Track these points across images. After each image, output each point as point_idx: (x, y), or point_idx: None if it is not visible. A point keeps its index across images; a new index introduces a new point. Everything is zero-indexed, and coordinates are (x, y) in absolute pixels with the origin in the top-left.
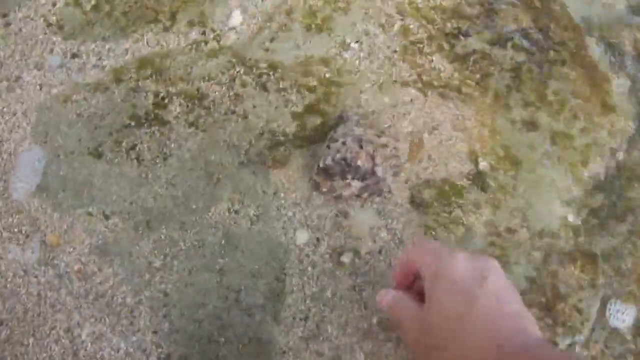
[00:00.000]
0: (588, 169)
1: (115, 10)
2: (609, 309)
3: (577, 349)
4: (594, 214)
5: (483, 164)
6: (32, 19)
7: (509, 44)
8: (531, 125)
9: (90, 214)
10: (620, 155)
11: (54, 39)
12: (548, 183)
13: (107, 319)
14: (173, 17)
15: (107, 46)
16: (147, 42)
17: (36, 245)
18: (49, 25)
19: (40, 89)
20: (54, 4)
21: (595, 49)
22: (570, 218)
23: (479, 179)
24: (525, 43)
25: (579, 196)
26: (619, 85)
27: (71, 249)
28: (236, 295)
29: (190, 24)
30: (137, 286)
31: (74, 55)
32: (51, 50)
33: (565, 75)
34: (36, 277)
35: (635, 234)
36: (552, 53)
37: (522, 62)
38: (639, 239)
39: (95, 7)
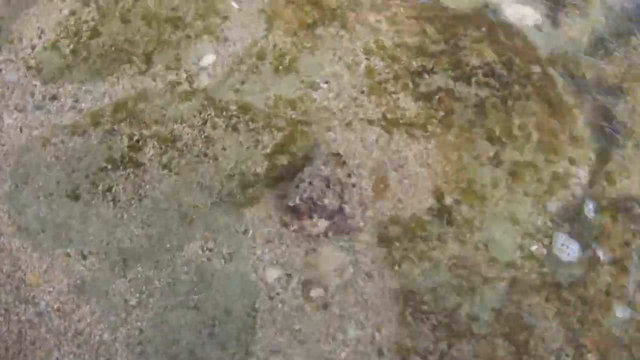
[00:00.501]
0: (553, 200)
1: (92, 54)
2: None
3: None
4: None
5: (448, 199)
6: (12, 62)
7: (473, 80)
8: (495, 159)
9: (68, 254)
10: (585, 185)
11: (34, 82)
12: (512, 216)
13: (85, 356)
14: (147, 59)
15: (84, 88)
16: (122, 85)
17: (17, 284)
18: (29, 68)
19: (21, 131)
20: (33, 48)
21: (559, 82)
22: (535, 249)
23: (443, 213)
24: (489, 79)
25: (544, 227)
26: (582, 117)
27: (51, 288)
28: (210, 330)
29: (164, 66)
30: (113, 323)
31: (53, 98)
32: (32, 93)
33: (529, 109)
34: (17, 315)
35: (597, 262)
36: (516, 87)
37: (486, 97)
38: (601, 267)
39: (73, 52)
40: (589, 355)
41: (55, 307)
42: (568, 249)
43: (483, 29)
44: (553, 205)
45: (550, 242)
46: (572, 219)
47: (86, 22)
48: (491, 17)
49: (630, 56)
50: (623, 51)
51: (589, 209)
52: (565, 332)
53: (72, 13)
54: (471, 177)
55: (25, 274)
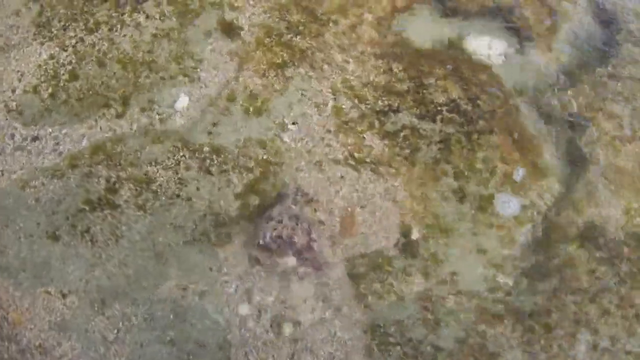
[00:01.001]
0: (519, 232)
1: (70, 97)
2: None
3: None
4: (525, 274)
5: (414, 234)
6: None
7: (438, 117)
8: (460, 193)
9: (49, 292)
10: (551, 217)
11: (15, 124)
12: (477, 248)
13: None
14: (124, 102)
15: (64, 131)
16: (100, 128)
17: (0, 323)
18: (10, 111)
19: (2, 174)
20: (13, 91)
21: (525, 114)
22: (501, 280)
23: (410, 248)
24: (454, 115)
25: (509, 258)
26: (548, 148)
27: (32, 326)
28: None
29: (140, 109)
30: (93, 359)
31: (33, 139)
32: (12, 135)
33: (494, 143)
34: (0, 352)
35: (562, 291)
36: (481, 122)
37: (451, 133)
38: (566, 296)
39: (52, 95)
40: None
41: (37, 344)
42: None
43: (449, 65)
44: (519, 237)
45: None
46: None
47: (64, 65)
48: (457, 54)
49: (595, 86)
50: (588, 82)
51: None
52: None
53: (51, 57)
54: (437, 211)
55: (7, 313)
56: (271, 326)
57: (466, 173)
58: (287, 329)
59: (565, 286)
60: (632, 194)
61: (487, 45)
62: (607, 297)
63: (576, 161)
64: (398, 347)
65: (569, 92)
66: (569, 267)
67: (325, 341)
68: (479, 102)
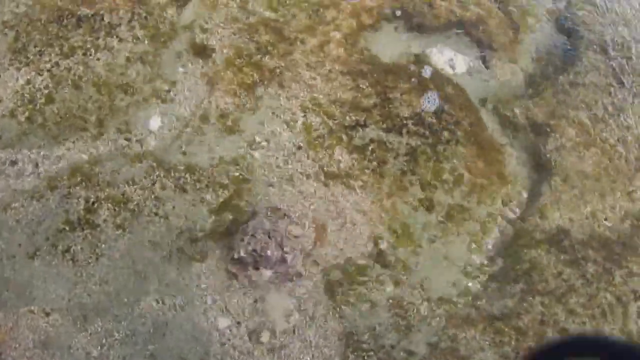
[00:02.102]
0: (487, 238)
1: (47, 120)
2: None
3: None
4: (494, 279)
5: (384, 244)
6: None
7: (404, 130)
8: (428, 203)
9: (32, 311)
10: (517, 223)
11: None
12: (446, 255)
13: None
14: (100, 124)
15: (42, 154)
16: (77, 150)
17: None
18: None
19: None
20: None
21: (490, 123)
22: (470, 285)
23: (380, 257)
24: (419, 127)
25: (479, 264)
26: (512, 156)
27: (17, 345)
28: None
29: (116, 130)
30: None
31: (12, 163)
32: None
33: (459, 153)
34: None
35: (530, 294)
36: (445, 134)
37: (417, 145)
38: (534, 298)
39: (29, 119)
40: None
41: None
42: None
43: (413, 79)
44: (486, 243)
45: None
46: None
47: (40, 90)
48: (422, 68)
49: (558, 94)
50: (551, 90)
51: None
52: None
53: (28, 82)
54: (405, 221)
55: None
56: (249, 337)
57: (433, 183)
58: (265, 339)
59: (533, 289)
60: (596, 198)
61: (451, 59)
62: (574, 298)
63: (541, 167)
64: (372, 354)
65: (532, 101)
66: (536, 270)
67: (302, 350)
68: (443, 114)
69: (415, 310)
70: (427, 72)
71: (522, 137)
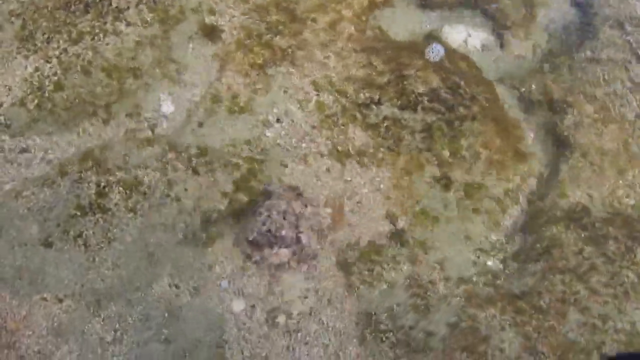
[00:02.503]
0: (506, 216)
1: (57, 107)
2: None
3: None
4: (513, 257)
5: (401, 223)
6: None
7: (419, 107)
8: (445, 180)
9: (45, 299)
10: (536, 200)
11: (3, 137)
12: (465, 234)
13: None
14: (110, 109)
15: (52, 140)
16: (88, 135)
17: None
18: None
19: None
20: (0, 105)
21: (506, 100)
22: (490, 263)
23: (398, 236)
24: (434, 104)
25: (498, 242)
26: (530, 132)
27: (30, 332)
28: None
29: (126, 115)
30: None
31: (23, 151)
32: (1, 149)
33: (476, 130)
34: None
35: (551, 272)
36: (461, 110)
37: (433, 122)
38: (554, 276)
39: (39, 106)
40: None
41: (36, 349)
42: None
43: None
44: (505, 221)
45: None
46: None
47: (49, 77)
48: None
49: (575, 71)
50: (567, 66)
51: None
52: (522, 341)
53: (36, 69)
54: (423, 199)
55: (5, 321)
56: (265, 320)
57: (450, 160)
58: (281, 322)
59: (553, 267)
60: (615, 174)
61: (465, 35)
62: (596, 277)
63: (559, 144)
64: (390, 334)
65: (549, 78)
66: (556, 248)
67: (318, 332)
68: (459, 90)
69: (434, 290)
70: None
71: (539, 113)
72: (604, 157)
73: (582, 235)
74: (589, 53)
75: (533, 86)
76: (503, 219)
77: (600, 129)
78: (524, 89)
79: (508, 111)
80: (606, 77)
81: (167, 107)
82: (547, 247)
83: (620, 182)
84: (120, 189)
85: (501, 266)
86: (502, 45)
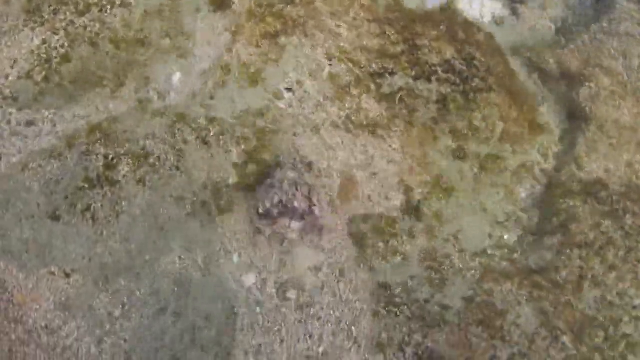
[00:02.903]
0: (522, 189)
1: (64, 79)
2: None
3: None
4: (530, 231)
5: (415, 195)
6: None
7: (434, 78)
8: (460, 152)
9: (52, 273)
10: (552, 173)
11: (10, 110)
12: (480, 206)
13: None
14: (118, 81)
15: (59, 113)
16: (95, 107)
17: (5, 305)
18: (5, 98)
19: (0, 158)
20: (7, 78)
21: (521, 72)
22: (506, 237)
23: (412, 209)
24: (449, 75)
25: (514, 215)
26: (546, 104)
27: (38, 306)
28: (191, 336)
29: (134, 86)
30: (99, 336)
31: (29, 124)
32: (8, 121)
33: (491, 101)
34: (7, 334)
35: (568, 247)
36: (477, 81)
37: (448, 93)
38: (571, 251)
39: (46, 78)
40: (564, 337)
41: (44, 324)
42: None
43: (442, 27)
44: (521, 193)
45: None
46: None
47: (56, 49)
48: (450, 15)
49: (592, 44)
50: (584, 38)
51: None
52: (539, 316)
53: (43, 42)
54: (438, 171)
55: (12, 295)
56: (277, 293)
57: (465, 132)
58: (293, 295)
59: (570, 241)
60: (633, 147)
61: (480, 7)
62: (613, 251)
63: (575, 117)
64: (405, 308)
65: (565, 50)
66: (573, 222)
67: (331, 306)
68: (474, 61)
69: (449, 264)
70: None
71: (555, 86)
72: (621, 131)
73: (600, 209)
74: (605, 26)
75: (548, 58)
76: (519, 191)
77: (618, 102)
78: (539, 61)
79: (524, 83)
80: (623, 50)
81: (176, 79)
82: (564, 221)
83: (638, 156)
84: (129, 161)
85: (517, 240)
86: (517, 17)
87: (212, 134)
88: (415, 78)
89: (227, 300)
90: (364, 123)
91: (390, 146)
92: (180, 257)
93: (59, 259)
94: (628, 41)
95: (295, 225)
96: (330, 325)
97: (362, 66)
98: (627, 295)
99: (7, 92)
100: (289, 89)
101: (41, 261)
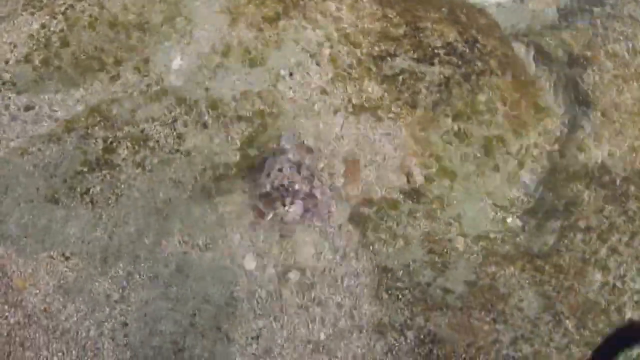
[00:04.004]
0: (524, 172)
1: (63, 63)
2: None
3: (521, 344)
4: (533, 214)
5: (417, 178)
6: None
7: (436, 60)
8: (462, 135)
9: (51, 257)
10: (555, 156)
11: (9, 94)
12: (483, 190)
13: (73, 353)
14: (118, 65)
15: (58, 97)
16: (94, 91)
17: (4, 289)
18: (4, 82)
19: None
20: (6, 62)
21: (523, 55)
22: (509, 220)
23: (414, 192)
24: (451, 57)
25: (516, 199)
26: (548, 87)
27: (37, 291)
28: (190, 320)
29: (134, 70)
30: (98, 319)
31: (28, 108)
32: (6, 106)
33: (494, 84)
34: (6, 318)
35: (571, 230)
36: (479, 64)
37: (450, 75)
38: (574, 235)
39: (45, 63)
40: (567, 321)
41: (43, 308)
42: None
43: (444, 9)
44: (524, 177)
45: None
46: None
47: (55, 33)
48: None
49: (594, 27)
50: (587, 22)
51: None
52: (541, 300)
53: (42, 26)
54: (440, 154)
55: (11, 279)
56: (277, 277)
57: (468, 115)
58: (293, 279)
59: (573, 225)
60: (636, 132)
61: None
62: (616, 236)
63: (578, 100)
64: (406, 292)
65: (568, 33)
66: (576, 206)
67: (332, 290)
68: (477, 44)
69: (451, 247)
70: None
71: (557, 69)
72: (625, 115)
73: (603, 193)
74: (609, 9)
75: (551, 41)
76: (522, 175)
77: (621, 86)
78: (542, 44)
79: (526, 66)
80: (627, 34)
81: (176, 61)
82: (566, 205)
83: None
84: (128, 144)
85: (520, 224)
86: (520, 0)
87: (211, 116)
88: (417, 60)
89: (226, 284)
90: (366, 106)
91: (392, 129)
92: (180, 241)
93: (58, 242)
94: (632, 24)
95: (296, 208)
96: (331, 309)
97: (363, 48)
98: (631, 280)
99: (6, 76)
100: (289, 72)
101: (40, 245)
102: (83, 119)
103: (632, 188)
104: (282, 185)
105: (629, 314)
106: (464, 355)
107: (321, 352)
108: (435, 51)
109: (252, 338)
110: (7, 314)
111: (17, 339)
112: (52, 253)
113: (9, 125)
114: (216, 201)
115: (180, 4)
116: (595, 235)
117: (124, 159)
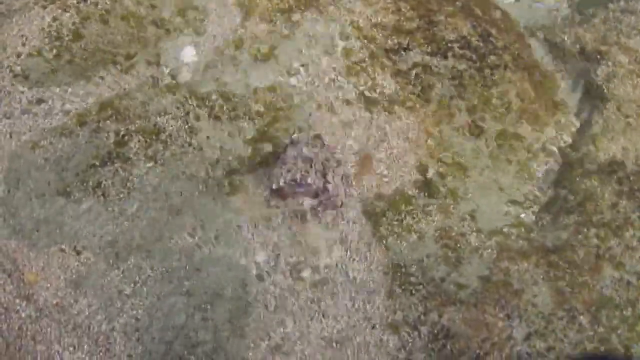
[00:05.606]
0: (538, 167)
1: (75, 56)
2: None
3: (535, 340)
4: (547, 209)
5: (431, 172)
6: None
7: (450, 54)
8: (476, 130)
9: (63, 250)
10: (569, 151)
11: (21, 88)
12: (497, 184)
13: (85, 347)
14: (129, 57)
15: (70, 90)
16: (106, 84)
17: (16, 283)
18: (15, 76)
19: (11, 136)
20: (18, 56)
21: (538, 50)
22: (523, 216)
23: (427, 186)
24: (465, 51)
25: (530, 194)
26: (564, 82)
27: (48, 285)
28: (202, 315)
29: (146, 63)
30: (110, 314)
31: (39, 101)
32: (18, 99)
33: (508, 79)
34: (17, 312)
35: (585, 225)
36: (493, 58)
37: (464, 69)
38: (588, 230)
39: (57, 56)
40: (581, 317)
41: (54, 302)
42: None
43: (458, 3)
44: (538, 172)
45: None
46: None
47: (67, 26)
48: None
49: (609, 21)
50: (601, 16)
51: None
52: (555, 296)
53: (54, 19)
54: (453, 149)
55: (23, 273)
56: (289, 272)
57: (481, 109)
58: (306, 274)
59: (587, 221)
60: None
61: None
62: (630, 231)
63: (592, 95)
64: (420, 287)
65: (582, 28)
66: (590, 201)
67: (345, 284)
68: (491, 38)
69: (465, 242)
70: None
71: (572, 63)
72: (639, 110)
73: (617, 188)
74: (623, 4)
75: (565, 36)
76: (536, 170)
77: (636, 81)
78: (556, 39)
79: (540, 60)
80: None
81: (188, 54)
82: (581, 200)
83: None
84: (140, 137)
85: (534, 218)
86: None
87: (224, 110)
88: (431, 54)
89: (239, 278)
90: (379, 99)
91: (405, 123)
92: (192, 235)
93: (70, 236)
94: None
95: (309, 202)
96: (344, 304)
97: (377, 42)
98: None
99: (17, 69)
100: (302, 65)
101: (52, 239)
102: (95, 112)
103: None
104: (295, 180)
105: None
106: (478, 351)
107: (334, 348)
108: (449, 45)
109: (265, 333)
110: (18, 307)
111: (29, 333)
112: (63, 247)
113: (21, 118)
114: (228, 195)
115: None
116: (610, 231)
117: (136, 153)
